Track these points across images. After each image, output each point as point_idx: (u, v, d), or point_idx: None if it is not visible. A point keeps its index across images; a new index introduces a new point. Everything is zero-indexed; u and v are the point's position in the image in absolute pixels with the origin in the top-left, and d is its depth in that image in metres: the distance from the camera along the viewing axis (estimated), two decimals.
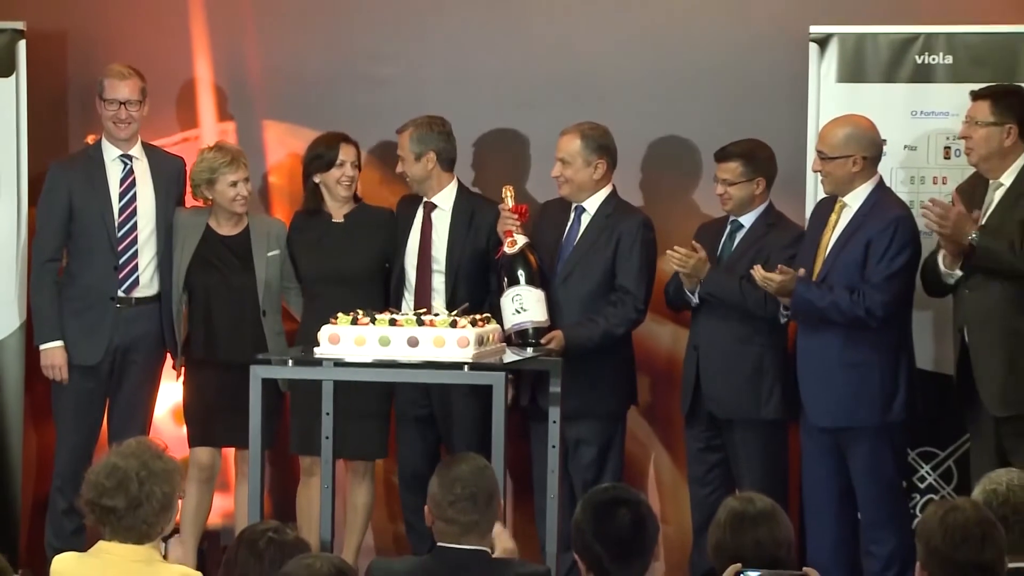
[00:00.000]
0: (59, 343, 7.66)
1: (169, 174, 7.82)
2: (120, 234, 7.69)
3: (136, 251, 7.70)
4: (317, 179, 7.69)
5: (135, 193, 7.74)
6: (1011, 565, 4.54)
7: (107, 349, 7.67)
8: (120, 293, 7.67)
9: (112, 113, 7.63)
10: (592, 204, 7.47)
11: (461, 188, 7.66)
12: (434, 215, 7.62)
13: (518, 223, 7.28)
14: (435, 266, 7.59)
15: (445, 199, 7.61)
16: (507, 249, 7.26)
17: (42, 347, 7.69)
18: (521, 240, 7.26)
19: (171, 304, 7.72)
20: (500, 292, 7.28)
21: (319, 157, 7.69)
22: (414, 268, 7.62)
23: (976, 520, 4.37)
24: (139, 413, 7.79)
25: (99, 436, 7.79)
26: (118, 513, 5.00)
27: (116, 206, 7.72)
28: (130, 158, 7.75)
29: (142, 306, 7.71)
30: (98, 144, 7.79)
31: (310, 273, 7.71)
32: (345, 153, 7.66)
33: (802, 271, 6.94)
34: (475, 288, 7.54)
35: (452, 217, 7.60)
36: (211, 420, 7.65)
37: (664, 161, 7.98)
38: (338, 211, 7.73)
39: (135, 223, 7.72)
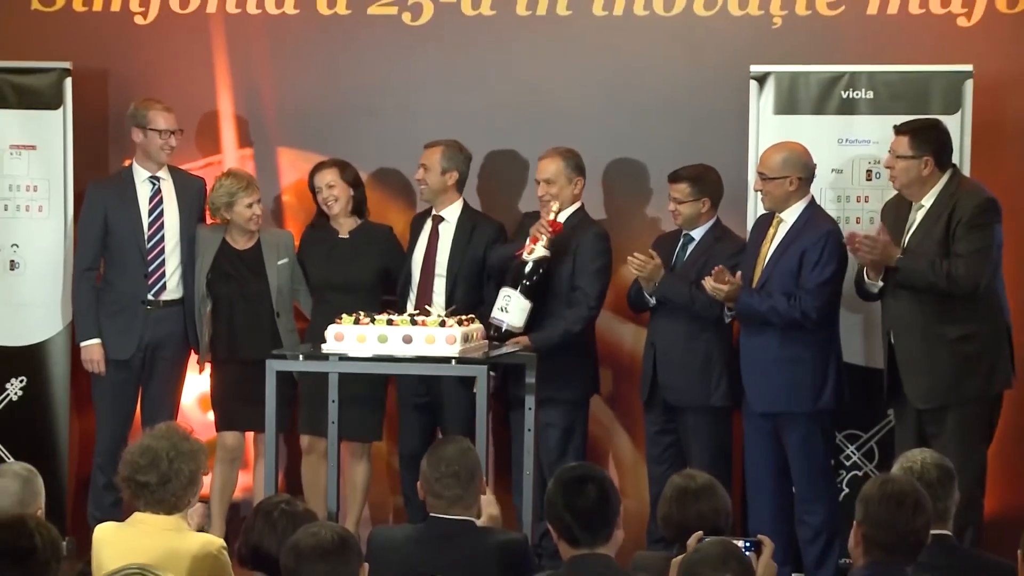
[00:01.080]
0: (97, 340, 7.72)
1: (191, 192, 7.86)
2: (149, 245, 7.72)
3: (163, 260, 7.74)
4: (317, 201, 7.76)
5: (162, 209, 7.77)
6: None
7: (138, 346, 7.71)
8: (149, 297, 7.71)
9: (163, 141, 7.68)
10: (562, 216, 7.44)
11: (466, 206, 7.68)
12: (441, 227, 7.63)
13: (548, 235, 7.24)
14: (437, 270, 7.58)
15: (452, 214, 7.63)
16: (524, 254, 7.24)
17: (83, 344, 7.74)
18: (539, 251, 7.21)
19: (194, 307, 7.75)
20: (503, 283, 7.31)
21: (309, 185, 7.76)
22: (419, 272, 7.64)
23: (910, 491, 4.42)
24: (167, 401, 7.83)
25: (133, 421, 7.81)
26: (150, 488, 5.02)
27: (145, 221, 7.74)
28: (158, 179, 7.79)
29: (168, 308, 7.76)
30: (130, 167, 7.83)
31: (318, 281, 7.74)
32: (319, 180, 7.71)
33: (739, 274, 6.97)
34: (471, 292, 7.55)
35: (456, 230, 7.61)
36: (234, 408, 7.68)
37: (624, 181, 7.95)
38: (343, 228, 7.75)
39: (162, 236, 7.75)
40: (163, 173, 7.80)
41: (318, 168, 7.73)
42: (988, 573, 4.86)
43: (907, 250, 6.74)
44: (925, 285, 6.69)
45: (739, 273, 6.99)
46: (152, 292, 7.73)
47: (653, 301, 7.32)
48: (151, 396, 7.82)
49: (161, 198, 7.79)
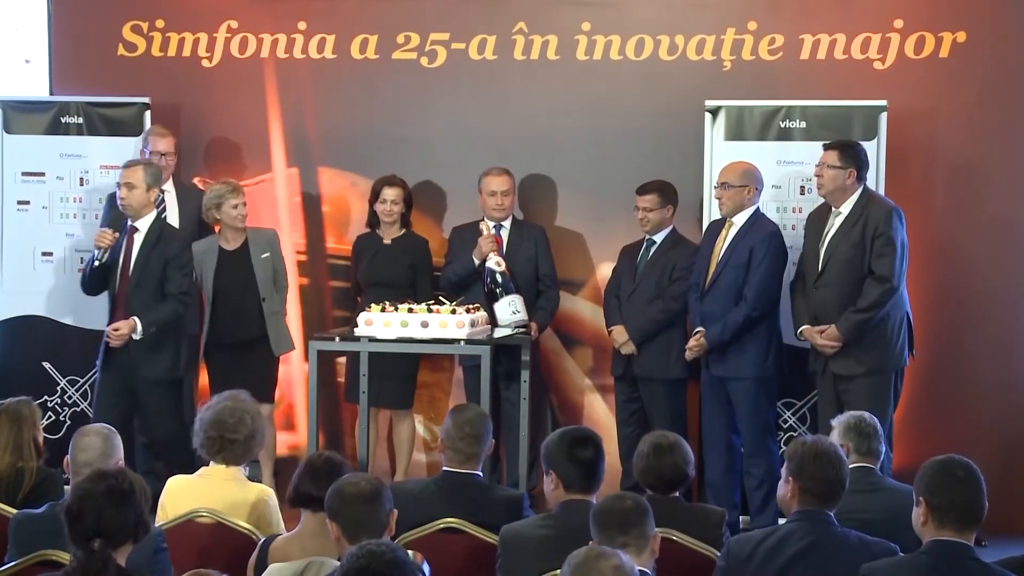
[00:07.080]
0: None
1: (193, 202, 7.60)
2: None
3: None
4: (375, 207, 7.56)
5: (165, 216, 7.50)
6: (851, 465, 4.78)
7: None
8: None
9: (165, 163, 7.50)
10: (507, 222, 7.47)
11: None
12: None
13: (496, 246, 7.20)
14: None
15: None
16: (492, 265, 7.16)
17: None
18: (500, 260, 7.16)
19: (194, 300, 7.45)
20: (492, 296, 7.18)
21: (374, 192, 7.56)
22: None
23: (832, 449, 4.43)
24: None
25: None
26: (239, 444, 4.93)
27: None
28: (163, 191, 7.47)
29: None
30: None
31: (365, 278, 7.55)
32: (386, 193, 7.50)
33: (702, 329, 6.94)
34: None
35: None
36: (230, 382, 7.37)
37: (601, 194, 7.82)
38: (387, 235, 7.57)
39: None
40: (168, 186, 7.60)
41: (389, 183, 7.53)
42: (895, 492, 4.97)
43: (828, 248, 6.67)
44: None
45: (698, 332, 6.95)
46: None
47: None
48: None
49: (164, 207, 7.57)
